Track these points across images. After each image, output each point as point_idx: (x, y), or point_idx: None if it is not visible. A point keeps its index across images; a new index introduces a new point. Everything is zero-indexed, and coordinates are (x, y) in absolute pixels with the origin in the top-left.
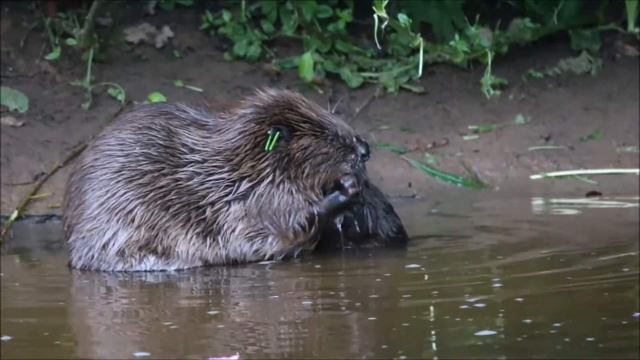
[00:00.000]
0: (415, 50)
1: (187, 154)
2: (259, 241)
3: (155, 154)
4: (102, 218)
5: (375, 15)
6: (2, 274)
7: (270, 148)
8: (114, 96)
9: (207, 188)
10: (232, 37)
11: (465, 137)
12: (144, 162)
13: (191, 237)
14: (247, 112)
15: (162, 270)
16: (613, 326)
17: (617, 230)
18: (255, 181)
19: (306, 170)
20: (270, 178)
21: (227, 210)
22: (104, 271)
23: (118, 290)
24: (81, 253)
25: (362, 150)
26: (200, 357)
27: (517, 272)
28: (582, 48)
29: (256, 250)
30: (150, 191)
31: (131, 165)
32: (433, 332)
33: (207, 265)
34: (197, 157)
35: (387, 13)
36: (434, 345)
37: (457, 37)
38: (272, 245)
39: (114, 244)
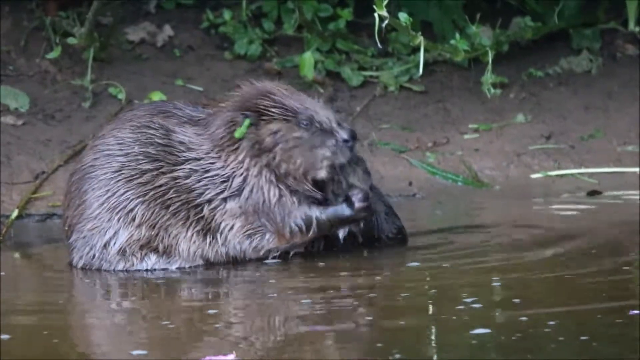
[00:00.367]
0: (415, 49)
1: (184, 151)
2: (258, 238)
3: (154, 152)
4: (103, 217)
5: (375, 14)
6: (2, 273)
7: (238, 135)
8: (114, 95)
9: (203, 185)
10: (233, 36)
11: (466, 136)
12: (143, 161)
13: (191, 235)
14: (227, 104)
15: (163, 269)
16: (611, 325)
17: (618, 229)
18: (243, 175)
19: (277, 156)
20: (250, 169)
21: (224, 207)
22: (105, 270)
23: (118, 290)
24: (82, 252)
25: (343, 135)
26: (197, 356)
27: (517, 272)
28: (582, 47)
29: (255, 247)
30: (150, 190)
31: (131, 164)
32: (432, 331)
33: (208, 264)
34: (193, 154)
35: (388, 12)
36: (432, 344)
37: (457, 35)
38: (269, 242)
39: (115, 243)
